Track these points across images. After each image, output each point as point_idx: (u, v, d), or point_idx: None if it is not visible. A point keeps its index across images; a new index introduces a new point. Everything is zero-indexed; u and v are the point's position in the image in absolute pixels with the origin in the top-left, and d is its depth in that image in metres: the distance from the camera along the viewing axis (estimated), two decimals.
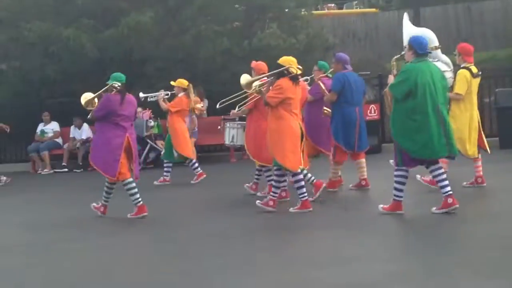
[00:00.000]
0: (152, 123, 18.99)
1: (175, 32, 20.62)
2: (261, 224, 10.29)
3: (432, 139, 9.78)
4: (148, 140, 18.89)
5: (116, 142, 11.21)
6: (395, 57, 11.03)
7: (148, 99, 16.13)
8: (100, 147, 11.35)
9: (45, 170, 19.80)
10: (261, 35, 20.67)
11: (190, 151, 15.51)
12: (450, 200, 9.82)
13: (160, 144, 18.99)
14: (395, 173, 10.07)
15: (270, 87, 10.94)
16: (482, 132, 11.98)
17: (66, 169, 19.46)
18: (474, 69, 11.64)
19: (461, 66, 11.74)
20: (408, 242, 8.69)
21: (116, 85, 11.42)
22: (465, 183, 12.01)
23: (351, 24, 27.50)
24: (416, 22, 21.25)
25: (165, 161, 15.63)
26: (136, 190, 11.34)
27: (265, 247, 8.78)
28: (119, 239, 9.98)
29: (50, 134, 20.29)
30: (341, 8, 34.91)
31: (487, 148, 11.94)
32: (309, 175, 11.85)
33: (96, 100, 11.94)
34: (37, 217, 12.40)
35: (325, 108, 12.73)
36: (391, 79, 10.59)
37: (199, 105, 18.34)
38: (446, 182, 9.87)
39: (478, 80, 11.80)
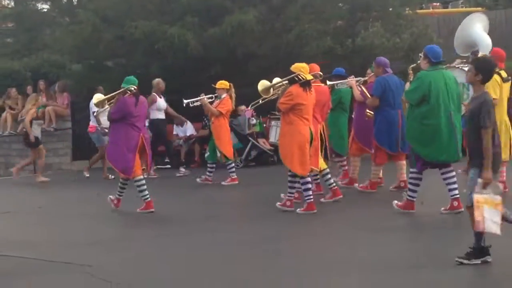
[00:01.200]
0: (254, 121, 19.09)
1: (278, 31, 20.64)
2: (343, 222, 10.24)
3: (443, 144, 10.27)
4: (250, 138, 18.97)
5: (132, 143, 12.01)
6: (412, 66, 11.61)
7: (190, 105, 16.77)
8: (117, 147, 12.08)
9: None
10: (365, 34, 20.53)
11: (231, 152, 15.93)
12: (456, 203, 10.35)
13: (262, 142, 19.06)
14: (410, 174, 10.63)
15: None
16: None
17: (169, 166, 19.69)
18: (504, 74, 11.67)
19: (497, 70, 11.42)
20: (442, 249, 8.49)
21: (132, 88, 12.25)
22: None
23: (456, 23, 26.91)
24: None
25: (209, 162, 16.19)
26: (145, 187, 12.15)
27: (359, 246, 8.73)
28: (222, 237, 10.06)
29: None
30: (446, 7, 34.33)
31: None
32: (332, 180, 12.25)
33: (106, 101, 12.84)
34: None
35: (368, 111, 12.87)
36: (407, 86, 11.10)
37: None
38: (456, 186, 10.37)
39: (508, 84, 11.94)
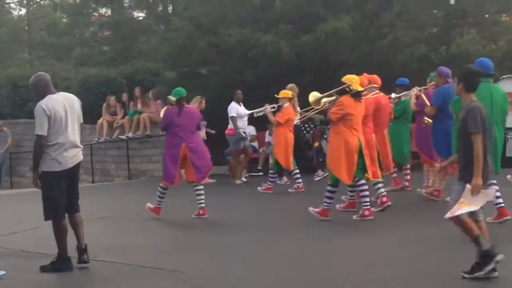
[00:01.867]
0: None
1: (371, 37, 20.52)
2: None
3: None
4: None
5: (173, 152, 12.53)
6: (451, 79, 11.69)
7: (255, 115, 17.24)
8: (165, 155, 12.81)
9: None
10: (460, 41, 20.26)
11: (289, 162, 15.86)
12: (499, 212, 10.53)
13: None
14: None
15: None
16: None
17: (261, 173, 19.74)
18: None
19: None
20: None
21: (172, 99, 12.75)
22: None
23: None
24: None
25: (270, 170, 16.37)
26: (200, 192, 12.75)
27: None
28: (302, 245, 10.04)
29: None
30: None
31: None
32: (382, 189, 12.27)
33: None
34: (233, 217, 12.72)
35: (426, 118, 12.81)
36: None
37: None
38: (499, 194, 10.20)
39: None
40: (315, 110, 13.28)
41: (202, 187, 12.82)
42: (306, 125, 19.46)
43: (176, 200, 14.78)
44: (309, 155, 19.34)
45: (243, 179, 18.29)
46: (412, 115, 14.41)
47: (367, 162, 11.61)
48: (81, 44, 30.45)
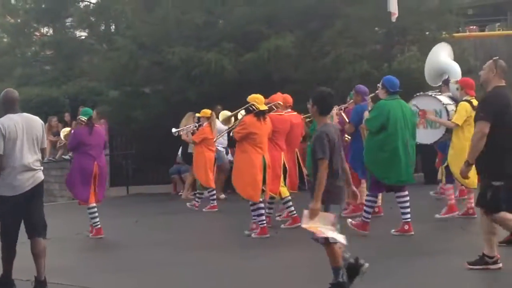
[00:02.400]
0: None
1: (314, 55, 20.66)
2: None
3: (402, 168, 10.93)
4: None
5: (86, 172, 12.71)
6: (370, 95, 12.44)
7: (179, 133, 17.24)
8: (75, 174, 12.97)
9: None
10: (401, 58, 20.48)
11: (209, 180, 16.06)
12: (406, 227, 11.08)
13: None
14: (366, 198, 11.40)
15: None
16: None
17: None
18: (475, 102, 11.69)
19: (463, 99, 12.15)
20: None
21: (83, 119, 13.00)
22: (457, 213, 12.48)
23: (493, 47, 26.82)
24: None
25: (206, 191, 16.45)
26: (96, 214, 12.94)
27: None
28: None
29: None
30: (483, 30, 34.17)
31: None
32: (292, 207, 12.56)
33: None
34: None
35: (346, 136, 13.03)
36: (366, 114, 11.74)
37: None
38: (408, 210, 11.06)
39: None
40: (229, 130, 13.47)
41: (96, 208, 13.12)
42: None
43: (120, 220, 14.72)
44: None
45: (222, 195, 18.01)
46: None
47: (268, 179, 11.75)
48: (22, 64, 30.07)
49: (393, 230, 11.15)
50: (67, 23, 30.70)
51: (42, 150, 8.77)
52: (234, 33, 20.82)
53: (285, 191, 12.55)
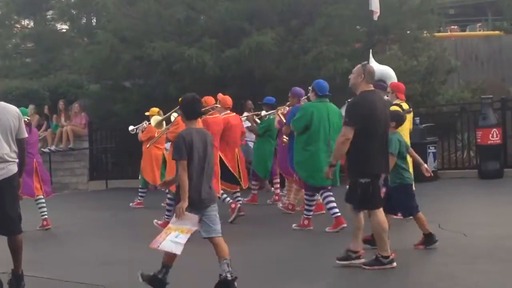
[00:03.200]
0: None
1: (295, 52, 20.67)
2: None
3: (320, 169, 10.99)
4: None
5: (28, 168, 12.35)
6: (303, 98, 13.01)
7: (136, 131, 16.91)
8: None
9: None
10: (382, 57, 20.53)
11: (156, 178, 15.87)
12: (338, 221, 11.44)
13: None
14: (304, 197, 11.97)
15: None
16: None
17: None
18: (405, 106, 12.49)
19: (393, 103, 12.39)
20: None
21: (26, 119, 12.57)
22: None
23: (474, 47, 26.98)
24: None
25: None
26: (44, 205, 13.37)
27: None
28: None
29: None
30: (464, 30, 34.34)
31: None
32: (228, 198, 13.10)
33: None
34: None
35: (284, 136, 13.44)
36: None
37: None
38: (334, 204, 11.48)
39: (410, 115, 12.79)
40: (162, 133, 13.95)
41: (44, 200, 13.47)
42: None
43: (99, 214, 14.69)
44: None
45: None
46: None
47: None
48: (3, 56, 29.96)
49: (327, 228, 11.55)
50: (48, 16, 30.63)
51: (20, 141, 8.40)
52: (215, 29, 20.81)
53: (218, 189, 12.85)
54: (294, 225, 11.92)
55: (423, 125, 18.43)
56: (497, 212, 12.64)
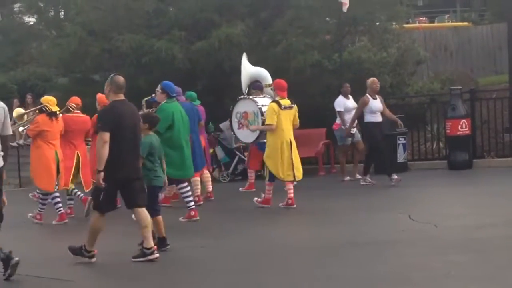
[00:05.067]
0: None
1: (265, 44, 20.64)
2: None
3: (185, 163, 12.40)
4: (237, 152, 18.89)
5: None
6: (146, 98, 14.11)
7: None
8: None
9: None
10: (352, 48, 20.59)
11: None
12: (193, 213, 12.47)
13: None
14: (179, 189, 12.70)
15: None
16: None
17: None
18: (284, 102, 13.39)
19: (274, 99, 13.63)
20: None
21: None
22: (280, 204, 13.43)
23: (442, 38, 27.09)
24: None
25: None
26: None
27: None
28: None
29: None
30: (433, 22, 34.51)
31: None
32: (78, 192, 13.86)
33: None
34: None
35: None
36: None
37: None
38: (191, 198, 12.60)
39: (290, 111, 13.44)
40: (22, 125, 14.47)
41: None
42: None
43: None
44: None
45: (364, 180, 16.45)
46: None
47: (61, 172, 13.22)
48: None
49: (181, 218, 12.46)
50: (15, 9, 30.34)
51: (4, 137, 8.29)
52: (185, 21, 20.70)
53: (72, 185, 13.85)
54: (180, 218, 12.53)
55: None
56: (467, 203, 12.71)
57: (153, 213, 9.80)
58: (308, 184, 16.44)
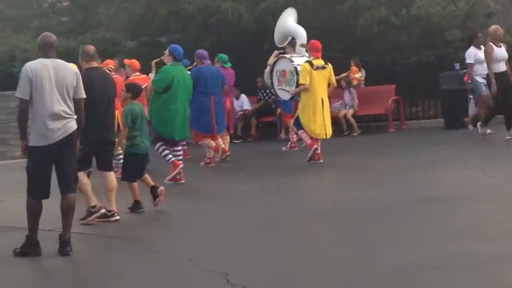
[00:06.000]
0: None
1: (332, 2, 20.45)
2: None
3: (178, 125, 12.83)
4: None
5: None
6: (155, 60, 14.64)
7: None
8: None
9: None
10: (420, 3, 20.26)
11: None
12: (178, 177, 12.62)
13: None
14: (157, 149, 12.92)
15: None
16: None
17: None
18: (318, 62, 13.97)
19: (308, 59, 14.09)
20: None
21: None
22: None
23: None
24: None
25: None
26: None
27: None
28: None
29: None
30: None
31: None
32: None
33: None
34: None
35: None
36: (152, 76, 14.06)
37: (357, 75, 18.31)
38: (167, 152, 12.80)
39: (323, 71, 14.00)
40: None
41: None
42: (263, 91, 19.64)
43: None
44: (272, 121, 19.53)
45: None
46: None
47: None
48: (39, 16, 29.96)
49: (166, 179, 12.51)
50: None
51: (77, 101, 8.21)
52: None
53: None
54: (166, 178, 12.58)
55: (463, 71, 18.20)
56: None
57: (129, 178, 10.34)
58: (376, 142, 16.42)
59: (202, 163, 14.87)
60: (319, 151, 13.88)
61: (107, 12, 26.52)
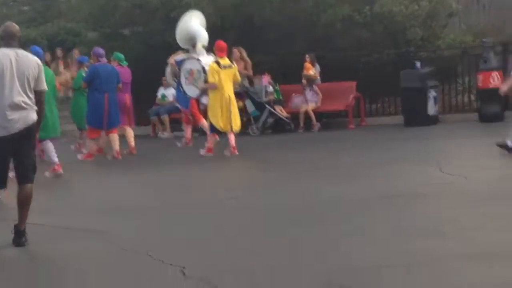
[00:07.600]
0: (271, 88, 18.93)
1: None
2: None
3: (47, 124, 12.45)
4: (267, 105, 18.82)
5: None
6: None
7: None
8: None
9: (164, 133, 20.12)
10: (383, 1, 20.32)
11: None
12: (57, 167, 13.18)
13: (278, 109, 18.98)
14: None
15: None
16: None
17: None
18: (224, 61, 14.91)
19: (214, 60, 15.04)
20: None
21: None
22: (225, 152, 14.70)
23: None
24: None
25: None
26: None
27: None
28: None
29: (170, 98, 20.36)
30: None
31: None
32: None
33: None
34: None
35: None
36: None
37: (311, 72, 18.39)
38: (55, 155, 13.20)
39: (229, 70, 14.92)
40: None
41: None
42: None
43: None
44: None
45: None
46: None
47: None
48: (0, 5, 29.72)
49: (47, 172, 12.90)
50: None
51: (37, 93, 8.08)
52: None
53: None
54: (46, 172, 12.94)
55: (424, 70, 18.35)
56: (498, 155, 12.57)
57: None
58: (336, 138, 16.46)
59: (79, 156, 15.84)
60: (233, 143, 14.68)
61: (68, 3, 26.37)
